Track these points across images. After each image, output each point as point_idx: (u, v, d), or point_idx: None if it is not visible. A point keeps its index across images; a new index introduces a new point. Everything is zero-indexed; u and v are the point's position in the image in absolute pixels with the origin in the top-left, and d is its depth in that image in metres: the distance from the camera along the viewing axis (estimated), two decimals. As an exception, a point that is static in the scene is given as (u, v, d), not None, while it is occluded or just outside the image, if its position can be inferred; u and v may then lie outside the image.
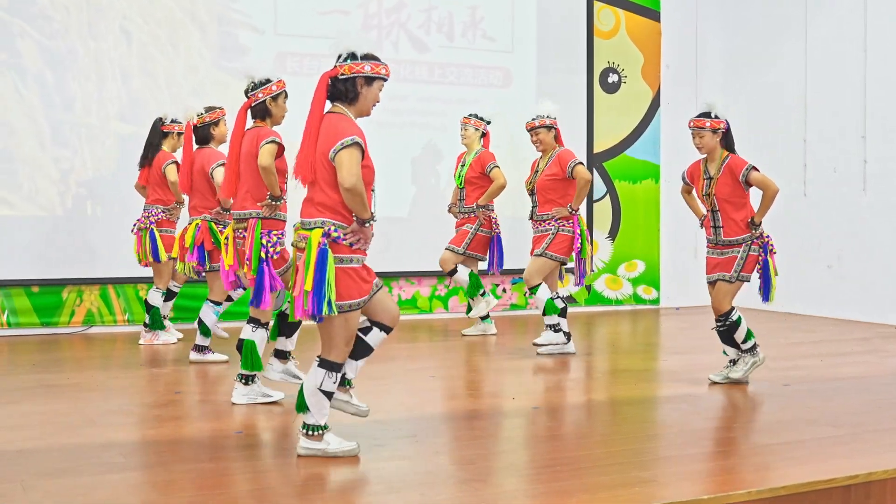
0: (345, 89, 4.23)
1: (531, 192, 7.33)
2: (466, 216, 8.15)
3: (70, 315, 8.45)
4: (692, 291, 10.24)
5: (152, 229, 7.49)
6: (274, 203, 5.31)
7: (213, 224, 6.69)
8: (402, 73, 9.39)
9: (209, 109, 6.72)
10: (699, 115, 6.04)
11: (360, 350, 4.31)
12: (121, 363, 7.08)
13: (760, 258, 5.97)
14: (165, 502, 3.65)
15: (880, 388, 6.05)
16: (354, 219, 4.16)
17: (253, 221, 5.31)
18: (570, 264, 7.35)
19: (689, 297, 10.58)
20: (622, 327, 9.44)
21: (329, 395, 4.24)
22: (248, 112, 5.40)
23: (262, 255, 5.24)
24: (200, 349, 6.79)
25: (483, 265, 8.33)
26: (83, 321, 8.49)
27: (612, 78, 10.62)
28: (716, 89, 10.95)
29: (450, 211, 8.37)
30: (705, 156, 6.08)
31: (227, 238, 5.52)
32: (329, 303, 4.05)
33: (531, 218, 7.34)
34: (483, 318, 8.33)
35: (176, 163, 7.44)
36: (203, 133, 6.72)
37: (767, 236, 6.02)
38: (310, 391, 4.22)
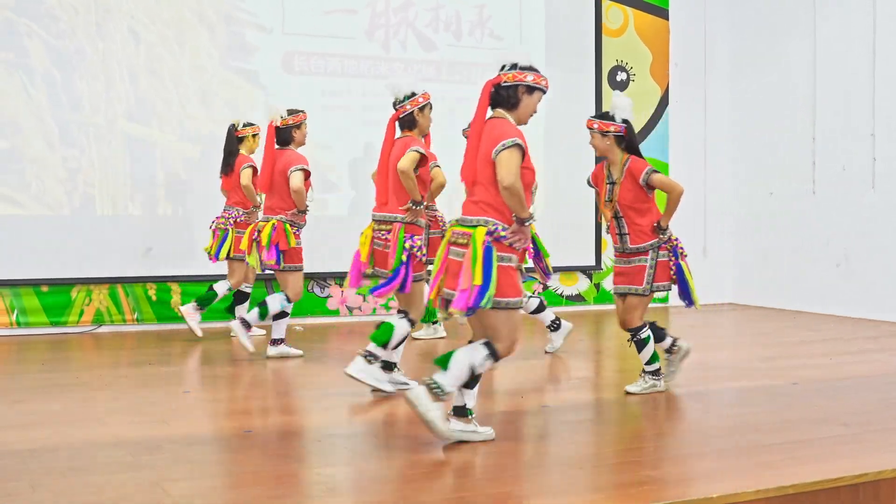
0: (507, 95, 4.42)
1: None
2: None
3: (79, 314, 8.47)
4: (700, 289, 10.17)
5: (228, 229, 7.72)
6: (415, 208, 5.53)
7: (287, 225, 6.75)
8: (410, 72, 9.38)
9: (292, 112, 6.80)
10: (596, 115, 5.73)
11: (473, 379, 4.44)
12: (130, 362, 7.10)
13: (672, 263, 5.73)
14: (174, 502, 3.66)
15: (889, 386, 6.03)
16: (514, 218, 4.29)
17: (397, 226, 5.55)
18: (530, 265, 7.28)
19: (698, 294, 10.50)
20: (630, 326, 9.39)
21: (474, 375, 4.36)
22: (397, 123, 5.69)
23: (404, 258, 5.46)
24: (276, 342, 6.95)
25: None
26: (92, 320, 8.51)
27: (621, 76, 10.59)
28: (724, 87, 10.94)
29: None
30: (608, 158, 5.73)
31: (364, 237, 5.73)
32: (490, 298, 4.19)
33: None
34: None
35: (252, 167, 7.60)
36: (284, 135, 6.79)
37: (676, 239, 5.76)
38: (461, 359, 4.32)
